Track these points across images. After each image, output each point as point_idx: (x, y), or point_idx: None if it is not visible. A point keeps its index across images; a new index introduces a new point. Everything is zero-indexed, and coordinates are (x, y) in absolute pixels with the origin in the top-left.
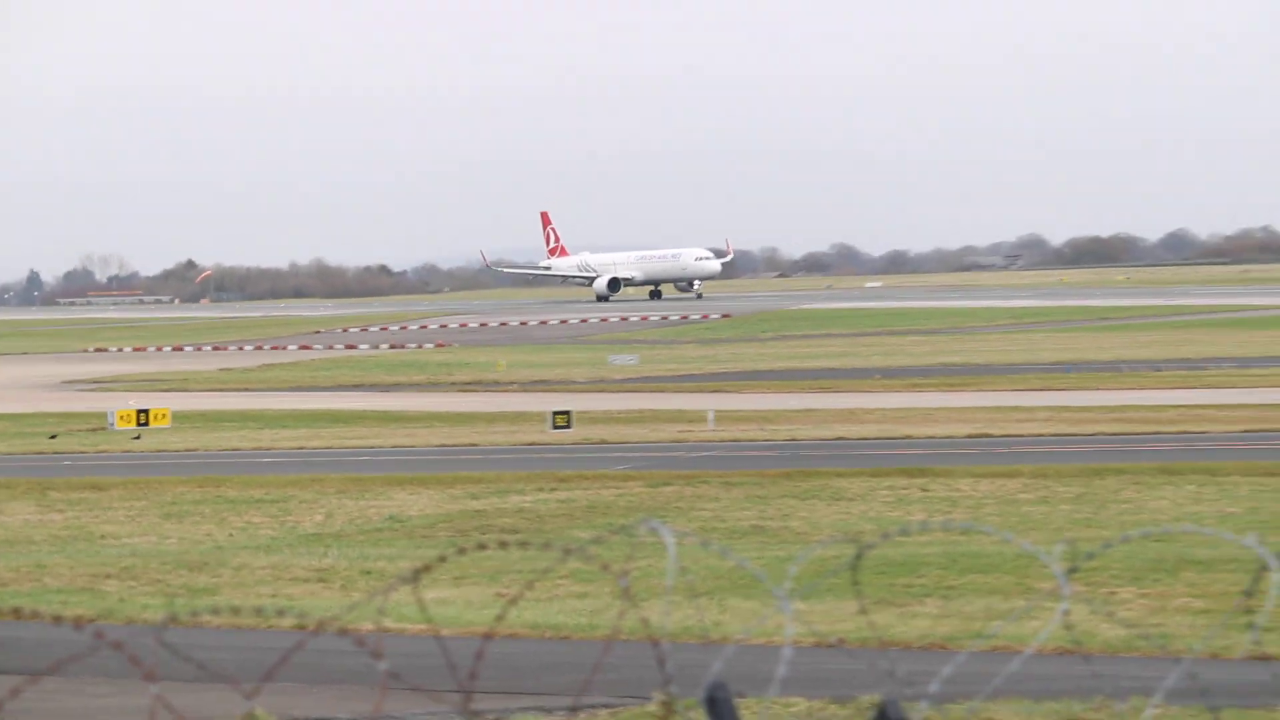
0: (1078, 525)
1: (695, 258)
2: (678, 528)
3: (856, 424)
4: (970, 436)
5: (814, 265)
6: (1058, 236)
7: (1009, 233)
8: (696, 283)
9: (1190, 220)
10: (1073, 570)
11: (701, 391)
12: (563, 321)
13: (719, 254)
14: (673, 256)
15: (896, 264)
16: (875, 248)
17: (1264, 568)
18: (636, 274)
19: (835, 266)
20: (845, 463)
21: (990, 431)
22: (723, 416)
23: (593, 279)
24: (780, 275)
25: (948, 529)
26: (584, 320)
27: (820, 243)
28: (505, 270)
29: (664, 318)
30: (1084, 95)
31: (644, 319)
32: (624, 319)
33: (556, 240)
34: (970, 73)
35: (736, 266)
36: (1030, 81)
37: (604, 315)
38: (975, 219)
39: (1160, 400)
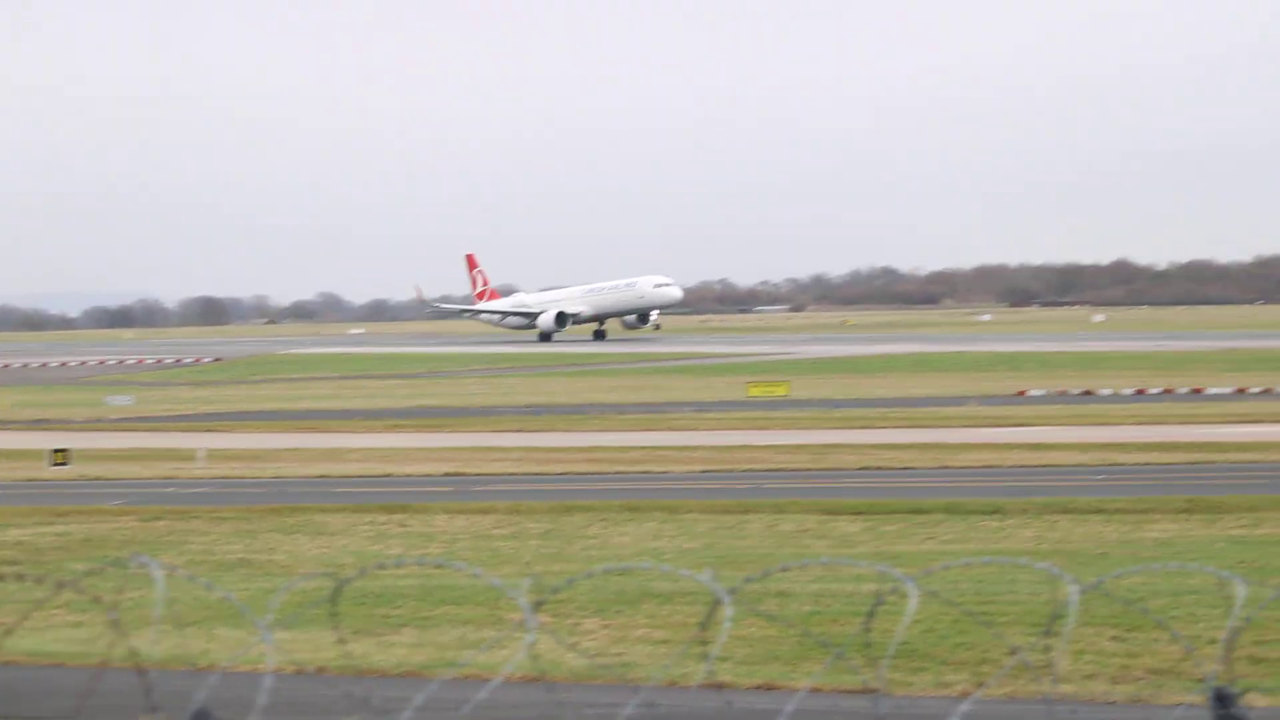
0: (546, 560)
1: (654, 285)
2: (168, 561)
3: (340, 463)
4: (447, 475)
5: (301, 313)
6: (530, 286)
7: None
8: (654, 314)
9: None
10: (539, 603)
11: (194, 431)
12: (62, 364)
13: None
14: (627, 286)
15: (377, 312)
16: (358, 296)
17: (717, 601)
18: (584, 308)
19: (321, 314)
20: (329, 499)
21: (466, 470)
22: (214, 455)
23: (533, 316)
24: (269, 321)
25: (422, 564)
26: (82, 363)
27: (307, 291)
28: (442, 307)
29: (158, 360)
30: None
31: (140, 361)
32: (121, 361)
33: (485, 283)
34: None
35: (227, 313)
36: (516, 156)
37: (101, 358)
38: (457, 271)
39: (625, 442)
